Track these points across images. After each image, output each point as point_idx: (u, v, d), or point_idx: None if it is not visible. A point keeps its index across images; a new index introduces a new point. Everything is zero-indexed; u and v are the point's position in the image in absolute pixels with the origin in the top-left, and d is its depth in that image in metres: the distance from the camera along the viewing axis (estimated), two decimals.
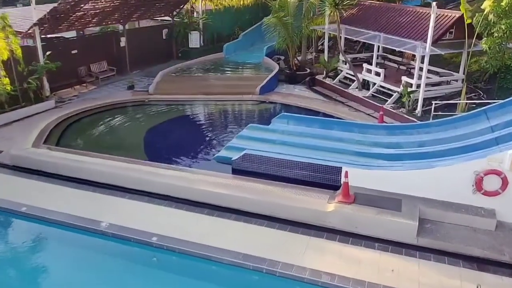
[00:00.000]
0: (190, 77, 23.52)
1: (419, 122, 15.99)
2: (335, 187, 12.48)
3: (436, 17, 17.26)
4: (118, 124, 17.83)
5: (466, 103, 16.90)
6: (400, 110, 18.12)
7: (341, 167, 12.49)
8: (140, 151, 15.41)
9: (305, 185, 12.78)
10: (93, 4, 19.98)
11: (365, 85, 21.28)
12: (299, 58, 25.85)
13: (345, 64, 22.21)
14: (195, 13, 28.81)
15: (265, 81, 21.48)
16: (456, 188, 11.41)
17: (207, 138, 16.54)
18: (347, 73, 22.10)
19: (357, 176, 12.14)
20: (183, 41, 27.46)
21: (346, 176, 11.62)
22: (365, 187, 12.11)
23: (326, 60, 23.34)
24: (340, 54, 22.17)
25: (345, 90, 21.09)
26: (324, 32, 23.59)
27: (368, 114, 18.85)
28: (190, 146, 15.79)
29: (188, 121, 18.33)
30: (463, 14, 17.04)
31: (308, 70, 24.18)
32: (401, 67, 21.78)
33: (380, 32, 19.79)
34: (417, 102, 17.66)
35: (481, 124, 14.10)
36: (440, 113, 17.12)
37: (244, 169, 13.75)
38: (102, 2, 20.27)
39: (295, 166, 13.22)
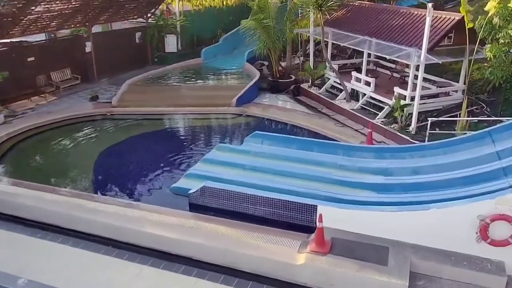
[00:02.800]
0: (160, 86, 21.28)
1: (413, 145, 13.80)
2: (310, 229, 10.28)
3: (433, 20, 15.08)
4: (69, 144, 15.58)
5: (467, 120, 14.67)
6: (391, 126, 15.91)
7: (316, 205, 10.31)
8: (88, 179, 13.21)
9: (275, 225, 10.67)
10: (46, 6, 17.73)
11: (354, 95, 19.08)
12: (284, 64, 23.65)
13: (333, 71, 19.99)
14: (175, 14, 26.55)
15: (242, 91, 19.26)
16: (456, 235, 9.23)
17: (170, 161, 14.31)
18: (335, 81, 19.88)
19: (335, 217, 9.98)
20: (159, 45, 25.21)
21: (321, 220, 9.41)
22: (345, 230, 9.94)
23: (312, 66, 21.11)
24: (329, 59, 19.92)
25: (332, 101, 18.87)
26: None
27: (356, 130, 16.63)
28: (147, 172, 13.58)
29: (151, 140, 16.08)
30: (463, 17, 14.83)
31: (293, 78, 21.95)
32: (395, 74, 19.58)
33: (371, 36, 17.56)
34: (411, 117, 15.45)
35: (485, 148, 11.92)
36: (437, 130, 14.94)
37: (203, 204, 11.54)
38: (58, 4, 18.01)
39: (262, 202, 11.01)
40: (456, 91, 17.01)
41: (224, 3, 29.28)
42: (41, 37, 23.42)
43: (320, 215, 9.44)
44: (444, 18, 15.50)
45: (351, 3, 20.38)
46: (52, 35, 24.85)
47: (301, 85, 21.13)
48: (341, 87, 19.14)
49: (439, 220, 9.31)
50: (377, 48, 16.57)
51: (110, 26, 26.06)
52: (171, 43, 25.29)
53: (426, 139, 14.53)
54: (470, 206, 9.10)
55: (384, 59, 20.17)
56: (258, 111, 18.58)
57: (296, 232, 10.28)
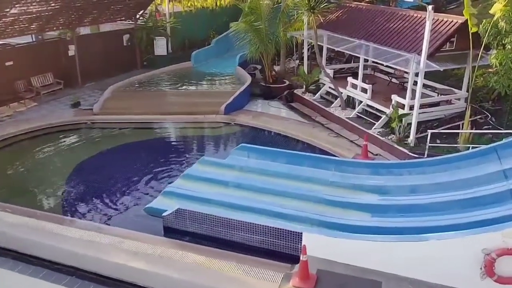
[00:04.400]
0: (145, 92, 20.19)
1: (411, 160, 12.72)
2: (295, 258, 9.22)
3: (433, 23, 13.99)
4: (42, 156, 14.51)
5: (471, 133, 13.57)
6: (389, 138, 14.81)
7: (301, 233, 9.25)
8: (55, 197, 12.16)
9: (256, 253, 9.64)
10: (23, 8, 16.69)
11: (350, 102, 18.00)
12: (278, 67, 22.59)
13: (327, 77, 18.89)
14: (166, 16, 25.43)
15: (231, 98, 18.17)
16: (458, 270, 8.15)
17: (148, 176, 13.25)
18: (330, 87, 18.77)
19: (323, 246, 8.93)
20: (148, 48, 24.15)
21: (305, 252, 8.34)
22: (333, 261, 8.87)
23: (307, 71, 20.02)
24: (323, 64, 18.81)
25: (326, 108, 17.77)
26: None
27: (351, 141, 15.53)
28: (123, 189, 12.53)
29: (130, 152, 15.01)
30: (466, 20, 13.72)
31: (287, 83, 20.86)
32: (394, 80, 18.47)
33: (368, 40, 16.45)
34: (410, 128, 14.35)
35: (490, 166, 10.85)
36: (438, 143, 13.84)
37: (178, 228, 10.48)
38: (35, 6, 16.97)
39: (242, 227, 9.94)
40: (459, 99, 15.90)
41: (218, 3, 28.13)
42: (28, 39, 22.45)
43: (304, 247, 8.37)
44: (446, 21, 14.39)
45: (347, 4, 19.28)
46: (40, 36, 23.84)
47: (295, 91, 20.03)
48: (336, 93, 18.04)
49: (439, 253, 8.26)
50: (374, 53, 15.46)
51: (98, 28, 24.98)
52: (161, 46, 24.21)
53: (426, 152, 13.44)
54: (473, 238, 8.03)
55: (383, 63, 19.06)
56: (248, 120, 17.49)
57: (278, 262, 9.23)
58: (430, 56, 13.70)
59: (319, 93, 19.11)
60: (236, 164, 13.17)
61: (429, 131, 13.39)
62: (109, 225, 10.70)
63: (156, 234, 10.38)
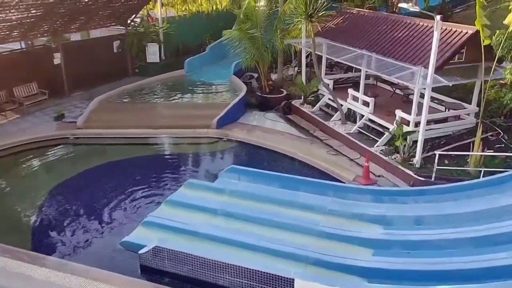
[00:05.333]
0: (133, 104, 19.07)
1: (417, 188, 11.61)
2: None
3: (442, 33, 12.80)
4: (15, 178, 13.35)
5: (482, 155, 12.40)
6: (393, 157, 13.66)
7: (293, 279, 8.13)
8: (27, 226, 11.04)
9: None
10: (1, 16, 15.61)
11: (351, 115, 16.85)
12: (275, 76, 21.44)
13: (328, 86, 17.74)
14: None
15: (224, 111, 17.04)
16: None
17: (129, 202, 12.15)
18: (329, 98, 17.61)
19: None
20: (140, 54, 23.05)
21: None
22: None
23: (305, 80, 18.86)
24: (321, 75, 17.66)
25: (325, 122, 16.62)
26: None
27: (352, 160, 14.39)
28: (100, 217, 11.43)
29: (113, 172, 13.91)
30: (477, 31, 12.57)
31: (284, 92, 19.72)
32: (397, 91, 17.31)
33: (370, 50, 15.28)
34: (416, 146, 13.19)
35: (507, 197, 9.73)
36: (446, 164, 12.68)
37: (156, 268, 9.36)
38: (14, 13, 15.88)
39: (226, 270, 8.80)
40: (468, 114, 14.74)
41: (214, 7, 26.99)
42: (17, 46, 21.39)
43: None
44: (455, 31, 13.22)
45: (348, 11, 18.12)
46: (30, 42, 22.78)
47: (293, 102, 18.89)
48: (336, 106, 16.88)
49: None
50: (377, 65, 14.28)
51: (88, 34, 23.92)
52: (153, 53, 23.11)
53: (433, 175, 12.29)
54: None
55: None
56: (242, 135, 16.35)
57: None
58: (438, 69, 12.54)
59: (318, 105, 17.97)
60: (225, 188, 12.06)
61: (436, 152, 12.22)
62: (80, 263, 9.54)
63: (132, 273, 9.28)
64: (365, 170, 12.81)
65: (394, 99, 16.93)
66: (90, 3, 18.61)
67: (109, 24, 22.40)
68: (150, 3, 23.75)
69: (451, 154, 13.39)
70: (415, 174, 12.68)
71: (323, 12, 14.87)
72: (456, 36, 13.06)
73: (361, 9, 18.02)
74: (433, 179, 12.28)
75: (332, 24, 17.83)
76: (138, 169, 13.98)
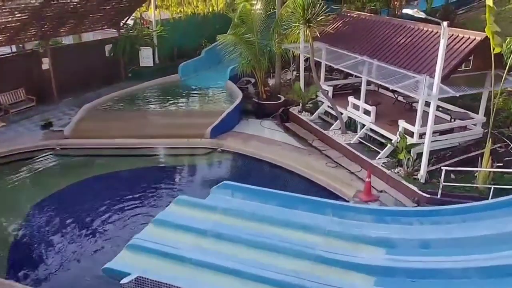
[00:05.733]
0: (124, 112, 18.28)
1: (422, 208, 10.85)
2: None
3: (448, 39, 11.99)
4: None
5: (491, 171, 11.63)
6: (396, 171, 12.89)
7: None
8: (2, 248, 10.26)
9: None
10: None
11: (351, 124, 16.07)
12: (272, 81, 20.67)
13: (327, 93, 16.96)
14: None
15: (219, 119, 16.28)
16: None
17: (117, 221, 11.39)
18: (329, 106, 16.82)
19: None
20: (133, 59, 22.27)
21: None
22: None
23: (303, 86, 18.05)
24: (319, 82, 16.89)
25: (325, 131, 15.85)
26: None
27: (352, 173, 13.63)
28: (84, 238, 10.67)
29: (99, 187, 13.11)
30: (486, 37, 11.79)
31: (282, 99, 18.94)
32: (400, 98, 16.51)
33: (371, 57, 14.49)
34: (420, 159, 12.42)
35: None
36: (452, 179, 11.92)
37: None
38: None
39: None
40: (475, 124, 13.96)
41: (210, 9, 26.19)
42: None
43: None
44: (462, 38, 12.43)
45: (348, 14, 17.33)
46: (21, 45, 22.03)
47: (291, 109, 18.13)
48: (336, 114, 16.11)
49: None
50: (378, 73, 13.49)
51: (80, 38, 23.17)
52: (146, 57, 22.34)
53: (439, 192, 11.52)
54: None
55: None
56: (237, 145, 15.58)
57: None
58: (444, 78, 11.75)
59: (317, 112, 17.19)
60: (217, 206, 11.26)
61: (443, 168, 11.44)
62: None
63: None
64: (366, 185, 12.05)
65: (397, 107, 16.16)
66: (79, 6, 17.84)
67: (101, 28, 21.64)
68: (144, 5, 22.97)
69: (458, 165, 12.71)
70: (419, 190, 11.91)
71: (322, 17, 14.07)
72: (463, 43, 12.27)
73: (362, 13, 17.24)
74: (439, 196, 11.52)
75: (332, 28, 17.04)
76: (125, 184, 13.20)
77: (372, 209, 10.78)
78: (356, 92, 16.63)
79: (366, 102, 15.19)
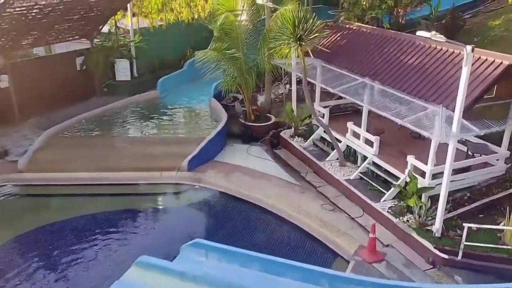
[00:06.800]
0: (90, 139, 15.98)
1: (441, 286, 8.66)
2: None
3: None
4: None
5: None
6: (405, 219, 10.75)
7: None
8: None
9: None
10: None
11: (351, 154, 13.94)
12: (262, 98, 18.49)
13: (322, 117, 14.81)
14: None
15: (198, 149, 14.13)
16: None
17: None
18: (325, 131, 14.63)
19: None
20: (108, 72, 20.06)
21: None
22: None
23: (295, 108, 15.88)
24: (313, 104, 14.73)
25: (320, 163, 13.69)
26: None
27: (353, 219, 11.48)
28: None
29: (46, 241, 10.79)
30: None
31: (272, 120, 16.78)
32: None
33: (373, 79, 12.33)
34: (435, 209, 10.29)
35: None
36: (474, 233, 9.78)
37: None
38: None
39: None
40: (497, 159, 11.84)
41: (196, 16, 23.91)
42: None
43: None
44: (486, 61, 10.25)
45: (347, 26, 15.14)
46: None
47: (282, 133, 15.96)
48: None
49: None
50: (383, 101, 11.30)
51: (50, 50, 20.90)
52: (123, 70, 20.11)
53: (460, 252, 9.40)
54: None
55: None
56: (217, 180, 13.41)
57: None
58: (465, 111, 9.59)
59: (311, 138, 15.04)
60: (186, 272, 9.06)
61: (465, 225, 9.28)
62: None
63: None
64: (370, 243, 9.89)
65: (403, 134, 13.95)
66: (39, 16, 15.60)
67: (72, 38, 19.39)
68: (119, 13, 20.74)
69: (478, 214, 10.64)
70: (434, 246, 9.78)
71: (316, 35, 11.85)
72: (487, 67, 10.10)
73: (363, 25, 15.01)
74: (459, 257, 9.40)
75: (328, 41, 14.85)
76: (82, 236, 10.94)
77: (377, 284, 8.61)
78: (356, 113, 14.50)
79: (367, 129, 13.06)
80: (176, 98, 19.55)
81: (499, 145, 11.81)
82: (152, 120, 17.54)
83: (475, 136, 11.16)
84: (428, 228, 10.33)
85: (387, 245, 10.44)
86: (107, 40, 20.06)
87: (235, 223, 11.40)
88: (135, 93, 19.86)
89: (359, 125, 13.15)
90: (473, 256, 9.42)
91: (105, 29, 20.97)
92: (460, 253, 9.38)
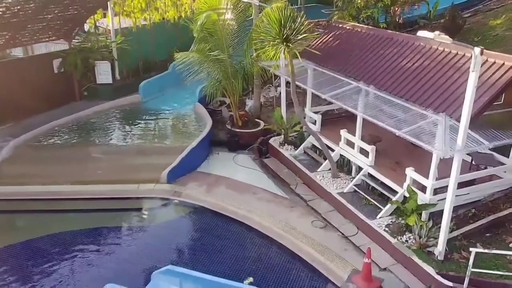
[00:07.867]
0: (62, 149, 14.77)
1: None
2: None
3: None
4: None
5: None
6: (403, 239, 9.69)
7: None
8: None
9: None
10: None
11: (344, 164, 12.87)
12: (250, 102, 17.40)
13: (314, 123, 13.75)
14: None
15: (178, 160, 13.00)
16: None
17: None
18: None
19: None
20: (88, 75, 18.89)
21: None
22: None
23: (285, 114, 14.81)
24: (303, 110, 13.66)
25: (311, 174, 12.61)
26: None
27: (346, 237, 10.39)
28: None
29: (10, 264, 9.74)
30: None
31: (261, 126, 15.68)
32: None
33: (368, 83, 11.27)
34: (437, 229, 9.23)
35: None
36: (483, 252, 8.72)
37: None
38: None
39: None
40: (505, 171, 10.78)
41: (183, 15, 22.77)
42: None
43: None
44: (493, 64, 9.21)
45: (340, 26, 14.06)
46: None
47: (271, 140, 14.87)
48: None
49: None
50: (377, 108, 10.21)
51: (27, 51, 19.69)
52: (104, 72, 18.94)
53: (467, 279, 8.32)
54: None
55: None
56: (199, 193, 12.28)
57: None
58: (472, 121, 8.52)
59: (301, 146, 13.95)
60: None
61: (472, 250, 8.21)
62: None
63: None
64: (365, 268, 8.80)
65: (401, 142, 12.80)
66: (7, 15, 14.43)
67: (48, 39, 18.24)
68: (99, 12, 19.58)
69: (483, 237, 9.60)
70: (436, 272, 8.72)
71: (305, 35, 10.74)
72: (496, 71, 9.06)
73: (357, 24, 13.94)
74: (465, 285, 8.33)
75: (320, 43, 13.79)
76: (40, 259, 9.81)
77: None
78: (352, 119, 13.41)
79: (362, 137, 11.98)
80: (160, 103, 18.40)
81: (507, 155, 10.76)
82: (132, 126, 16.40)
83: None
84: (430, 249, 9.28)
85: (384, 269, 9.37)
86: (86, 41, 18.87)
87: (216, 244, 10.26)
88: (116, 97, 18.75)
89: (354, 132, 12.07)
90: (482, 285, 8.37)
91: (85, 29, 19.89)
92: (467, 280, 8.31)
